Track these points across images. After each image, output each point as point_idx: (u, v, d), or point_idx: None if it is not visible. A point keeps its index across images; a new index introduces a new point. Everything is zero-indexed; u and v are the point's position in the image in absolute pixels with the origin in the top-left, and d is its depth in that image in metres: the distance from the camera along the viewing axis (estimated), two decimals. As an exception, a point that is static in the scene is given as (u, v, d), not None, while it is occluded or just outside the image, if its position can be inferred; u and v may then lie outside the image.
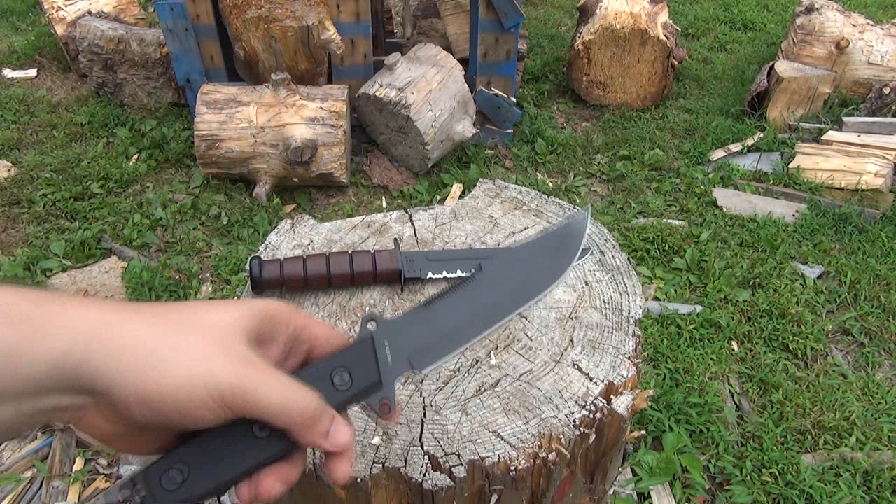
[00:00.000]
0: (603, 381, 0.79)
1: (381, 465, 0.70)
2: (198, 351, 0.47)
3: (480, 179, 1.15)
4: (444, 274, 0.91)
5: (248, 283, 0.89)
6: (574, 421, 0.74)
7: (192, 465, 0.49)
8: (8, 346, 0.42)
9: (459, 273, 0.91)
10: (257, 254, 0.94)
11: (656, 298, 2.57)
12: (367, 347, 0.57)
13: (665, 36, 3.72)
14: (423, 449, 0.72)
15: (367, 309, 0.89)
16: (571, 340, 0.84)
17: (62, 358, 0.43)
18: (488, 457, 0.71)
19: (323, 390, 0.52)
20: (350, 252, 0.91)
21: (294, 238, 1.02)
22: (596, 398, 0.77)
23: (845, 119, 3.53)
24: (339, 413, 0.54)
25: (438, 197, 3.14)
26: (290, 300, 0.90)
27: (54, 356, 0.43)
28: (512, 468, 0.71)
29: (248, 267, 0.89)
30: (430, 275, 0.91)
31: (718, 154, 3.51)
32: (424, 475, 0.69)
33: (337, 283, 0.90)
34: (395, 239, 0.97)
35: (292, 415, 0.49)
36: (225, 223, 2.94)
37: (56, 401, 0.45)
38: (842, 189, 3.16)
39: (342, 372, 0.55)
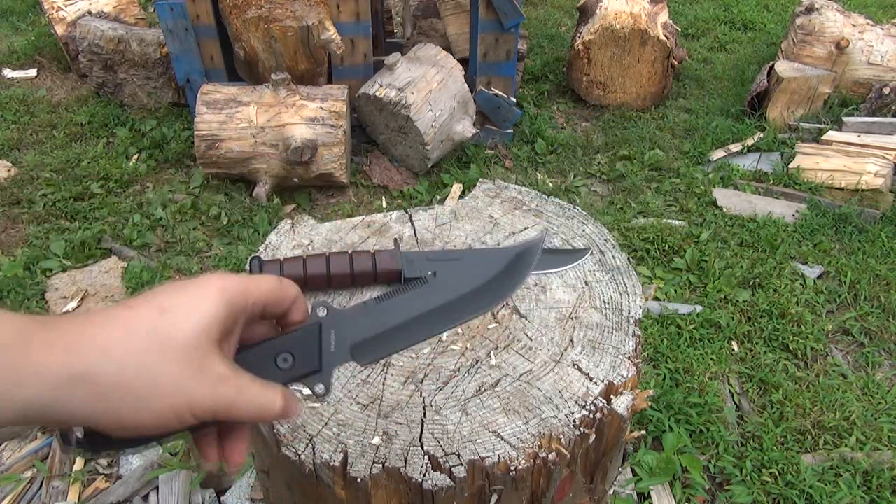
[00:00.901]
0: (603, 381, 0.79)
1: (381, 465, 0.70)
2: (174, 381, 0.47)
3: (480, 179, 1.15)
4: None
5: None
6: (574, 421, 0.74)
7: None
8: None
9: None
10: (257, 254, 0.94)
11: (656, 298, 2.57)
12: (313, 333, 0.60)
13: (665, 36, 3.72)
14: (423, 449, 0.72)
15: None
16: (571, 340, 0.84)
17: (30, 405, 0.43)
18: (488, 457, 0.71)
19: (267, 370, 0.56)
20: (350, 252, 0.91)
21: (294, 238, 1.02)
22: (596, 398, 0.77)
23: (845, 119, 3.53)
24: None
25: (438, 197, 3.14)
26: None
27: (21, 405, 0.43)
28: (512, 468, 0.71)
29: (247, 267, 0.89)
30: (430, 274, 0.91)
31: (718, 154, 3.51)
32: (424, 475, 0.69)
33: (337, 284, 0.90)
34: (396, 239, 0.96)
35: (264, 417, 0.54)
36: (225, 223, 2.94)
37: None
38: (842, 189, 3.16)
39: (286, 355, 0.58)
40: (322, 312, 0.61)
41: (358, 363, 0.62)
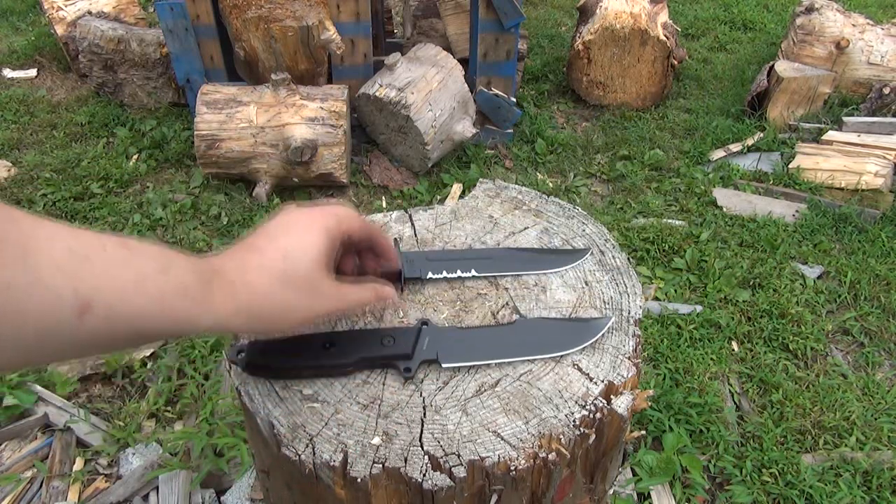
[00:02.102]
0: (603, 381, 0.79)
1: (381, 465, 0.70)
2: (301, 304, 0.68)
3: (480, 179, 1.15)
4: (445, 274, 0.90)
5: None
6: (574, 421, 0.74)
7: (278, 344, 0.79)
8: (185, 316, 0.58)
9: (459, 273, 0.91)
10: None
11: (656, 298, 2.57)
12: (413, 332, 0.81)
13: (665, 36, 3.72)
14: (423, 449, 0.72)
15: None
16: (571, 340, 0.84)
17: (211, 329, 0.62)
18: (488, 457, 0.71)
19: (374, 346, 0.79)
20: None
21: (294, 238, 1.02)
22: (596, 398, 0.77)
23: (845, 119, 3.53)
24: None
25: (438, 197, 3.14)
26: None
27: (204, 328, 0.61)
28: (512, 468, 0.71)
29: None
30: (430, 275, 0.90)
31: (718, 154, 3.52)
32: (424, 475, 0.69)
33: None
34: (395, 239, 0.96)
35: (366, 305, 0.84)
36: (225, 223, 2.94)
37: None
38: (842, 189, 3.16)
39: (389, 338, 0.80)
40: (424, 326, 0.83)
41: (441, 363, 0.79)
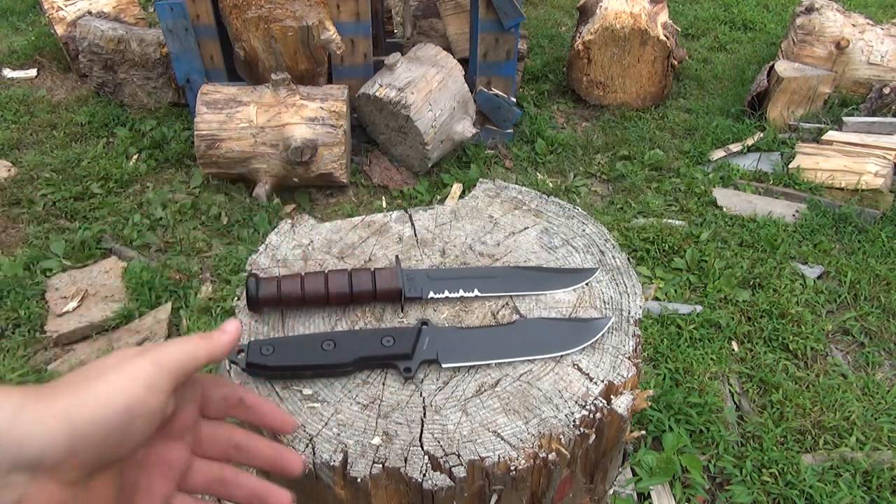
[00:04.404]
0: (603, 381, 0.79)
1: (381, 465, 0.70)
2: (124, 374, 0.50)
3: (480, 179, 1.15)
4: (446, 293, 0.88)
5: (245, 300, 0.86)
6: (574, 421, 0.74)
7: (278, 344, 0.78)
8: None
9: (462, 293, 0.89)
10: (254, 271, 0.91)
11: (656, 298, 2.57)
12: (414, 332, 0.81)
13: (665, 36, 3.72)
14: (423, 449, 0.72)
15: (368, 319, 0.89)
16: (571, 340, 0.84)
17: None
18: (488, 457, 0.71)
19: (373, 345, 0.79)
20: (349, 270, 0.88)
21: (294, 238, 1.02)
22: (596, 398, 0.77)
23: (845, 119, 3.53)
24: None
25: (438, 197, 3.14)
26: (287, 315, 0.89)
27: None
28: (512, 468, 0.71)
29: (245, 285, 0.86)
30: (431, 294, 0.88)
31: (718, 154, 3.51)
32: (424, 475, 0.69)
33: (335, 302, 0.88)
34: (397, 256, 0.95)
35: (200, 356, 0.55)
36: (225, 223, 2.94)
37: None
38: (842, 189, 3.16)
39: (389, 338, 0.80)
40: (424, 326, 0.82)
41: (441, 363, 0.79)
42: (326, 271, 0.88)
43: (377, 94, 3.06)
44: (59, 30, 3.90)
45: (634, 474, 1.89)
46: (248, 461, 0.61)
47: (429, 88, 3.08)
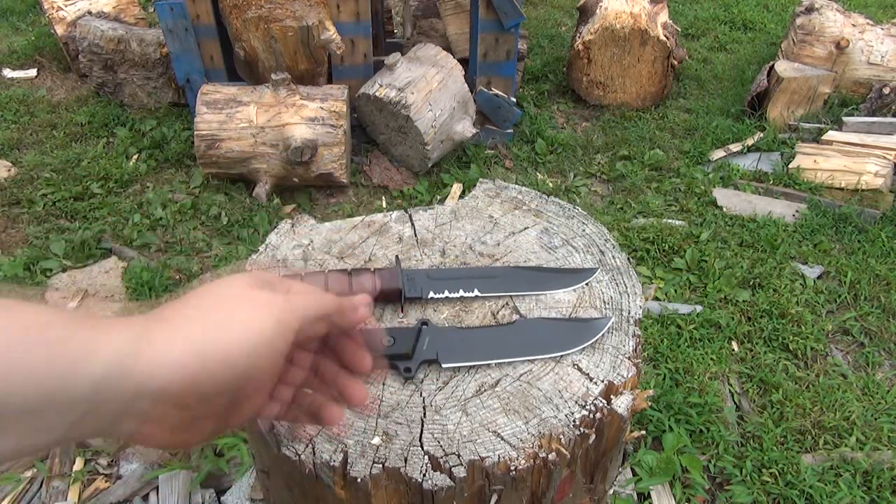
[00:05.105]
0: (603, 381, 0.79)
1: (381, 465, 0.70)
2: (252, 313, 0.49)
3: (480, 179, 1.15)
4: (446, 293, 0.89)
5: None
6: (574, 421, 0.74)
7: None
8: (48, 371, 0.40)
9: (462, 293, 0.89)
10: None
11: (656, 298, 2.57)
12: (413, 332, 0.81)
13: (665, 36, 3.72)
14: (423, 449, 0.72)
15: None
16: (571, 340, 0.84)
17: (104, 378, 0.42)
18: (488, 457, 0.71)
19: (374, 343, 0.73)
20: (349, 270, 0.89)
21: (294, 238, 1.02)
22: (596, 398, 0.77)
23: (845, 119, 3.53)
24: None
25: (438, 197, 3.14)
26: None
27: (96, 377, 0.41)
28: (512, 468, 0.71)
29: None
30: (431, 294, 0.88)
31: (718, 154, 3.51)
32: (424, 475, 0.69)
33: None
34: (397, 256, 0.95)
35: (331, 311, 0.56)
36: (225, 223, 2.94)
37: (110, 418, 0.43)
38: (842, 189, 3.16)
39: (390, 338, 0.79)
40: (424, 326, 0.82)
41: (441, 363, 0.80)
42: (326, 271, 0.88)
43: (377, 94, 3.06)
44: (59, 30, 3.90)
45: (634, 474, 1.89)
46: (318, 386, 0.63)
47: (429, 88, 3.08)
